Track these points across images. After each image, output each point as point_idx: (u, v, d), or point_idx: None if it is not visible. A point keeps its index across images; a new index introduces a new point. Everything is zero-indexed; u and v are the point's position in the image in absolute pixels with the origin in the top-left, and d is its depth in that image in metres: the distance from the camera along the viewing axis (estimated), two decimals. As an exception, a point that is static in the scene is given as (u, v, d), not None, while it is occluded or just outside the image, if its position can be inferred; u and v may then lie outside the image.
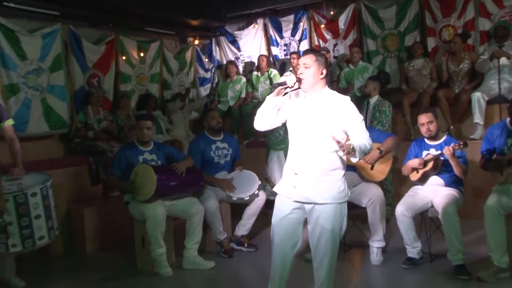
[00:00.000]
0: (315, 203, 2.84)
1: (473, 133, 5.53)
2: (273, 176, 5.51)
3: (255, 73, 7.53)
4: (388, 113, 5.31)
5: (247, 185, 4.55)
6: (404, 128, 6.11)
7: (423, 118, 4.06)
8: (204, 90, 8.22)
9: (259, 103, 7.08)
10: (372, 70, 6.61)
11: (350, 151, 2.71)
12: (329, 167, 2.82)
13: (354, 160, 2.83)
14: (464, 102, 5.76)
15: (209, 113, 4.80)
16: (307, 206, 2.89)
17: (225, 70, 7.85)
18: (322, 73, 2.88)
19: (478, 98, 5.51)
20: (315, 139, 2.82)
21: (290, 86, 2.84)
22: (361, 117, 2.90)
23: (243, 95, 7.54)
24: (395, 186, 5.39)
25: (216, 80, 8.34)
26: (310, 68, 2.85)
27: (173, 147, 4.64)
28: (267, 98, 2.89)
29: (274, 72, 7.38)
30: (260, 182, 4.63)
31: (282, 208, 2.93)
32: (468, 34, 6.23)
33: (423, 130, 4.08)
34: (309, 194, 2.84)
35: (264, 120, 2.91)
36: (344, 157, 2.84)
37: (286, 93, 2.93)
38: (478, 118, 5.51)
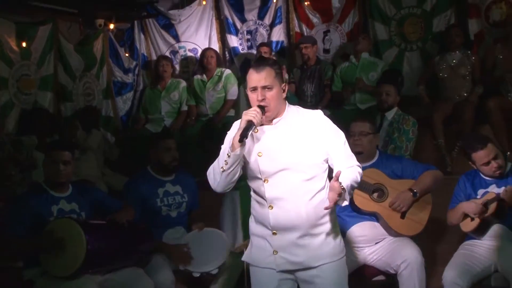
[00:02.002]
0: (310, 267, 3.15)
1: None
2: (223, 227, 5.59)
3: (197, 77, 7.69)
4: (411, 135, 5.60)
5: (212, 251, 4.64)
6: (436, 157, 6.32)
7: (484, 155, 4.16)
8: (123, 102, 8.27)
9: (210, 121, 7.30)
10: (381, 68, 6.92)
11: (342, 199, 2.95)
12: (318, 215, 3.12)
13: (343, 204, 3.04)
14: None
15: (162, 141, 4.89)
16: (299, 273, 3.19)
17: (154, 70, 7.91)
18: (284, 90, 3.19)
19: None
20: (293, 182, 3.10)
21: (257, 124, 3.02)
22: (342, 134, 3.20)
23: (184, 108, 7.66)
24: (429, 241, 5.36)
25: (142, 86, 8.41)
26: (272, 89, 3.09)
27: (102, 192, 4.70)
28: (224, 151, 3.08)
29: (226, 72, 7.58)
30: (230, 243, 4.83)
31: (265, 285, 3.22)
32: None
33: (489, 170, 4.22)
34: (300, 257, 3.14)
35: (229, 182, 3.12)
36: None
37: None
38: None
